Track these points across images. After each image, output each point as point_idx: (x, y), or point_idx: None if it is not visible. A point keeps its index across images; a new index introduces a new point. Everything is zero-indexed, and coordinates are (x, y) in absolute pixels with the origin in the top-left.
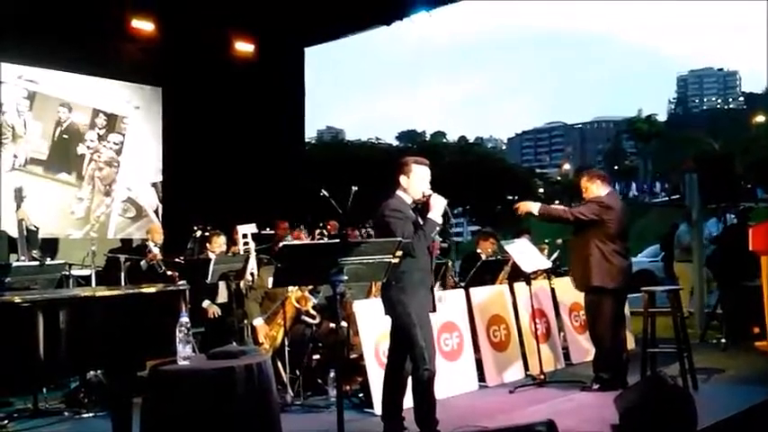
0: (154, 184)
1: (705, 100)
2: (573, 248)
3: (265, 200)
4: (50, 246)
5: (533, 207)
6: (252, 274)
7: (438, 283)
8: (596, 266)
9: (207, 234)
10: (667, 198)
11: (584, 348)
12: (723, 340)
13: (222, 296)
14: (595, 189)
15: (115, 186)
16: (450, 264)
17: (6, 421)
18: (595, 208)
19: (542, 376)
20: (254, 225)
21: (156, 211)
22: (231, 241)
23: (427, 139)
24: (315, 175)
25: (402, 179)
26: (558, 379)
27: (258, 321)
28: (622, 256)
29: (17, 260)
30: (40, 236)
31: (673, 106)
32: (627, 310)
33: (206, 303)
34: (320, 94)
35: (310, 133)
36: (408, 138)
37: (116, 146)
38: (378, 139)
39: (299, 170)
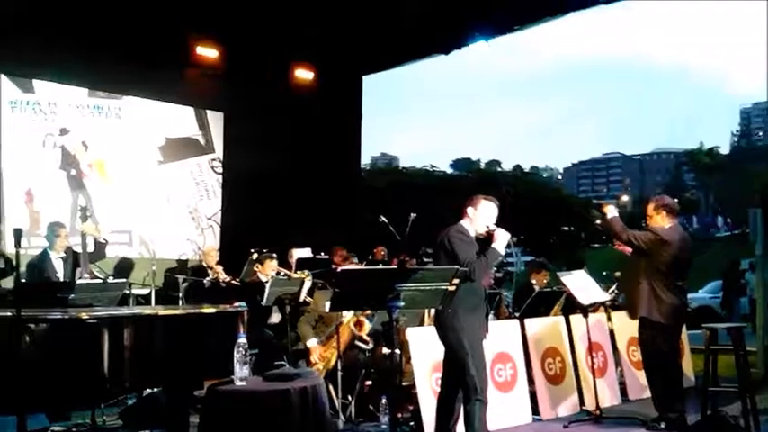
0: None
1: None
2: (626, 276)
3: (321, 225)
4: (125, 266)
5: (609, 212)
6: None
7: (492, 313)
8: (644, 298)
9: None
10: (729, 233)
11: (641, 384)
12: None
13: (275, 318)
14: (659, 220)
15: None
16: (503, 294)
17: None
18: (650, 239)
19: (598, 411)
20: (308, 249)
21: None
22: (286, 264)
23: (482, 167)
24: (369, 201)
25: (469, 210)
26: (614, 415)
27: (312, 342)
28: (674, 293)
29: (80, 278)
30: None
31: (736, 139)
32: (687, 347)
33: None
34: (376, 120)
35: (365, 159)
36: (463, 166)
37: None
38: (433, 166)
39: (355, 196)
